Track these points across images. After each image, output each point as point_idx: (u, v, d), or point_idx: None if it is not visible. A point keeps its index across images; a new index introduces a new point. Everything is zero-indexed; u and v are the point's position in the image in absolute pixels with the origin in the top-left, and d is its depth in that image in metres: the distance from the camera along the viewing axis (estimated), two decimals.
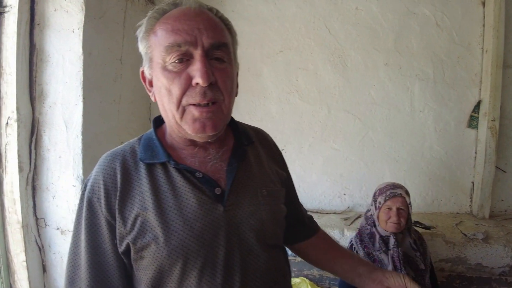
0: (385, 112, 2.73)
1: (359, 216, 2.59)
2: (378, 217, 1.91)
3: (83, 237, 0.85)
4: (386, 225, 1.87)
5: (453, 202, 2.76)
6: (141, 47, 0.86)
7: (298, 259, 2.36)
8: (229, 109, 0.86)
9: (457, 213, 2.76)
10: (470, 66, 2.69)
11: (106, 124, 2.27)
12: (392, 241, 1.86)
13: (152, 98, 0.88)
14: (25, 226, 2.01)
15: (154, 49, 0.82)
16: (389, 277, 1.05)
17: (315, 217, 2.51)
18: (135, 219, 0.82)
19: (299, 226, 1.17)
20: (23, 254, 2.00)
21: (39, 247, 2.10)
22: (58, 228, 2.09)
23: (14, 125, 1.98)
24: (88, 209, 0.85)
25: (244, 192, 0.89)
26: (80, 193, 0.90)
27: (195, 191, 0.84)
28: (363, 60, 2.72)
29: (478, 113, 2.69)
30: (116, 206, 0.83)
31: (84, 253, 0.85)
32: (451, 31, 2.68)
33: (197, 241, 0.81)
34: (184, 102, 0.79)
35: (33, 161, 2.06)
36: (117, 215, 0.83)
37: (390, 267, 1.83)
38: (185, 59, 0.79)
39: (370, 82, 2.72)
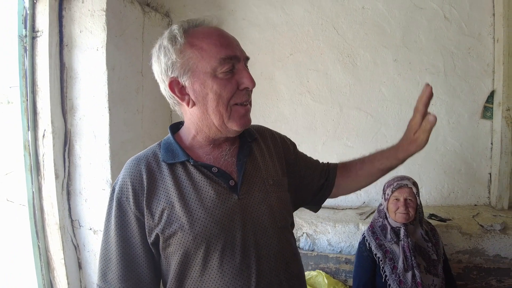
0: (397, 108, 2.76)
1: (374, 211, 2.63)
2: (387, 208, 1.97)
3: (113, 233, 0.98)
4: (395, 216, 1.93)
5: (470, 194, 2.75)
6: (173, 59, 0.94)
7: (315, 252, 2.46)
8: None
9: (475, 205, 2.75)
10: (481, 57, 2.68)
11: (130, 132, 2.46)
12: (402, 232, 1.92)
13: (188, 105, 0.98)
14: (62, 227, 2.22)
15: (198, 61, 0.93)
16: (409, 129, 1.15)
17: (331, 213, 2.63)
18: (162, 212, 0.95)
19: (323, 172, 1.28)
20: (61, 252, 2.21)
21: (74, 246, 2.30)
22: (91, 229, 2.29)
23: (49, 137, 2.20)
24: (118, 208, 0.98)
25: (253, 183, 1.03)
26: (109, 195, 1.02)
27: (212, 184, 0.98)
28: (372, 57, 2.77)
29: (492, 103, 2.67)
30: (144, 203, 0.96)
31: (115, 247, 0.98)
32: (460, 22, 2.68)
33: (217, 226, 0.94)
34: (231, 102, 0.95)
35: (67, 168, 2.27)
36: (145, 210, 0.96)
37: (401, 258, 1.88)
38: (231, 70, 0.95)
39: (380, 79, 2.76)
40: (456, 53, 2.70)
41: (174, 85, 0.96)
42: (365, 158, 1.26)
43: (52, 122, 2.20)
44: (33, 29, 2.21)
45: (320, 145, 2.84)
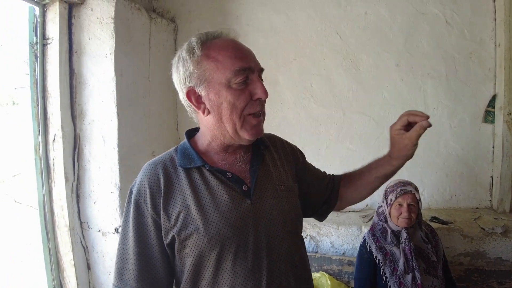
0: (399, 112, 2.70)
1: None
2: (389, 213, 2.00)
3: (130, 234, 1.02)
4: (397, 221, 1.96)
5: (472, 197, 2.78)
6: (191, 69, 1.00)
7: (318, 254, 2.51)
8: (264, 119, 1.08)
9: (477, 208, 2.77)
10: (483, 61, 2.70)
11: (138, 136, 2.51)
12: (404, 235, 1.94)
13: (204, 113, 1.03)
14: (71, 229, 2.28)
15: (214, 72, 0.98)
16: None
17: (334, 216, 2.67)
18: (178, 214, 0.99)
19: (329, 183, 1.34)
20: (71, 253, 2.27)
21: (84, 248, 2.36)
22: (99, 230, 2.35)
23: (59, 141, 2.26)
24: (136, 210, 1.02)
25: (265, 189, 1.08)
26: (127, 197, 1.06)
27: (226, 188, 1.02)
28: (375, 62, 2.80)
29: (493, 107, 2.70)
30: (161, 205, 1.00)
31: (132, 248, 1.02)
32: (462, 28, 2.71)
33: (231, 229, 0.99)
34: (245, 112, 1.00)
35: (76, 172, 2.34)
36: (162, 212, 1.00)
37: (401, 260, 1.91)
38: (245, 81, 0.99)
39: (383, 84, 2.80)
40: (458, 58, 2.73)
41: (191, 94, 1.02)
42: (363, 168, 1.33)
43: (62, 127, 2.26)
44: (44, 37, 2.27)
45: (324, 149, 2.88)
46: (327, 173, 1.39)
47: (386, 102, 2.80)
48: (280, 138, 1.31)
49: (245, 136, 1.02)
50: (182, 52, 1.02)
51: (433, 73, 2.76)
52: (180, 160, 1.06)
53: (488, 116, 2.72)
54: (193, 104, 1.03)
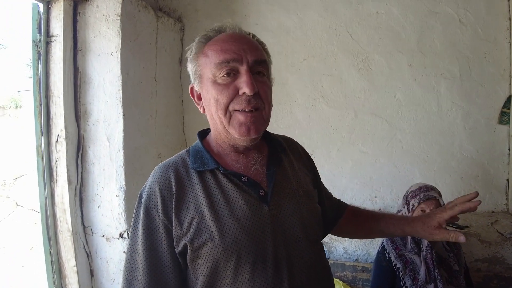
0: (412, 113, 2.73)
1: None
2: None
3: (140, 241, 0.96)
4: None
5: (488, 200, 2.70)
6: (191, 67, 1.01)
7: (331, 261, 2.42)
8: (269, 116, 0.99)
9: (492, 212, 2.69)
10: (498, 61, 2.64)
11: (144, 137, 2.44)
12: (425, 242, 1.86)
13: (201, 110, 1.02)
14: (74, 234, 2.19)
15: (204, 67, 0.96)
16: (433, 215, 1.11)
17: None
18: (191, 221, 0.92)
19: (334, 206, 1.29)
20: (73, 259, 2.18)
21: (87, 253, 2.27)
22: (103, 236, 2.25)
23: (63, 142, 2.18)
24: (146, 215, 0.96)
25: (284, 193, 1.00)
26: (136, 202, 1.00)
27: (242, 193, 0.95)
28: (387, 62, 2.74)
29: (509, 108, 2.63)
30: (173, 211, 0.94)
31: (142, 256, 0.95)
32: (476, 27, 2.65)
33: (248, 237, 0.91)
34: (230, 108, 0.93)
35: (80, 174, 2.25)
36: (173, 219, 0.93)
37: (422, 269, 1.83)
38: (232, 74, 0.93)
39: (395, 84, 2.73)
40: (472, 57, 2.67)
41: (193, 91, 1.03)
42: (373, 213, 1.29)
43: (65, 128, 2.18)
44: (48, 34, 2.21)
45: (335, 151, 2.80)
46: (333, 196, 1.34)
47: (399, 103, 2.73)
48: (297, 142, 1.25)
49: (235, 134, 0.95)
50: (188, 50, 1.03)
51: (446, 74, 2.69)
52: (193, 162, 1.00)
53: (504, 117, 2.65)
54: (195, 101, 1.03)
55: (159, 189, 0.96)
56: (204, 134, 1.10)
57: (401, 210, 2.02)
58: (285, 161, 1.09)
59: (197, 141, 1.06)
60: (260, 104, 0.94)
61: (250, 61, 0.93)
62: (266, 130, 1.07)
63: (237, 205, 0.94)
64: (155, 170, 1.02)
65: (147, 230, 0.95)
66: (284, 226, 0.96)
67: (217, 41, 0.96)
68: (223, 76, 0.92)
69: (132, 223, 1.00)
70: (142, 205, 0.97)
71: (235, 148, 1.01)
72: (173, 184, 0.96)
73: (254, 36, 1.03)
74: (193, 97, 1.04)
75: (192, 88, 1.03)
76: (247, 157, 1.02)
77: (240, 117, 0.93)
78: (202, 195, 0.95)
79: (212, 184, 0.96)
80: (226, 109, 0.93)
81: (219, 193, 0.95)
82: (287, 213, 0.98)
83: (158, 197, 0.95)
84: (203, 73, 0.96)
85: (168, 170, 0.99)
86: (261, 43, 1.03)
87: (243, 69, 0.92)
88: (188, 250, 0.93)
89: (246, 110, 0.92)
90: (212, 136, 1.04)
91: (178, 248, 0.94)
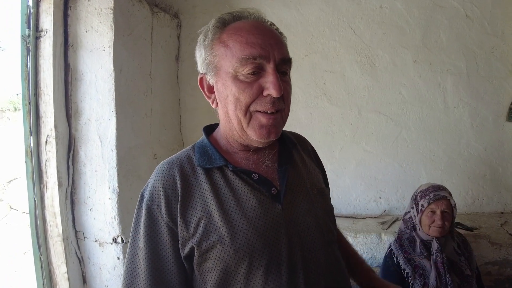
0: (418, 111, 2.64)
1: (397, 220, 2.50)
2: (420, 221, 1.83)
3: (142, 245, 0.88)
4: (429, 230, 1.79)
5: (496, 200, 2.62)
6: (203, 54, 0.90)
7: None
8: (287, 118, 0.92)
9: (501, 213, 2.61)
10: (505, 56, 2.57)
11: (138, 137, 2.33)
12: (435, 245, 1.78)
13: (213, 105, 0.93)
14: (65, 239, 2.08)
15: (222, 59, 0.86)
16: None
17: (351, 223, 2.50)
18: (198, 222, 0.85)
19: None
20: (64, 266, 2.07)
21: (79, 259, 2.16)
22: (96, 241, 2.15)
23: (52, 142, 2.07)
24: (148, 216, 0.88)
25: (297, 192, 0.93)
26: (138, 203, 0.92)
27: (253, 191, 0.88)
28: (391, 58, 2.66)
29: None
30: (178, 211, 0.86)
31: (144, 260, 0.87)
32: (482, 21, 2.58)
33: (261, 239, 0.84)
34: (251, 108, 0.85)
35: (71, 176, 2.15)
36: (179, 220, 0.86)
37: (433, 274, 1.75)
38: (257, 72, 0.83)
39: (400, 81, 2.65)
40: (479, 53, 2.59)
41: (204, 81, 0.92)
42: (349, 247, 1.25)
43: (55, 127, 2.07)
44: (37, 29, 2.10)
45: (338, 151, 2.71)
46: None
47: (403, 100, 2.65)
48: (306, 138, 1.18)
49: (253, 136, 0.87)
50: (201, 35, 0.92)
51: (452, 69, 2.61)
52: (199, 159, 0.92)
53: None
54: (204, 93, 0.93)
55: (162, 188, 0.88)
56: (209, 129, 1.03)
57: (409, 212, 1.93)
58: (297, 157, 1.02)
59: (203, 137, 0.99)
60: (282, 106, 0.87)
61: (277, 59, 0.84)
62: None
63: (248, 204, 0.87)
64: (158, 168, 0.93)
65: (149, 233, 0.88)
66: (298, 227, 0.89)
67: (240, 30, 0.86)
68: (248, 73, 0.83)
69: (132, 225, 0.92)
70: (144, 206, 0.89)
71: (246, 146, 0.94)
72: (178, 182, 0.88)
73: (274, 25, 0.93)
74: (203, 88, 0.93)
75: (202, 79, 0.93)
76: (257, 154, 0.95)
77: (262, 119, 0.85)
78: (210, 194, 0.87)
79: (221, 182, 0.89)
80: (246, 109, 0.85)
81: (228, 192, 0.88)
82: (302, 213, 0.91)
83: (162, 197, 0.87)
84: (221, 65, 0.86)
85: (173, 167, 0.91)
86: (282, 34, 0.94)
87: (270, 67, 0.83)
88: (195, 253, 0.86)
89: (269, 112, 0.85)
90: (222, 133, 0.96)
91: (184, 252, 0.87)
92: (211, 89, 0.92)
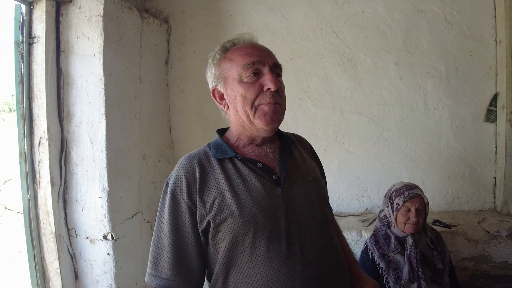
0: (399, 112, 2.72)
1: (376, 218, 2.58)
2: (396, 219, 1.90)
3: (166, 223, 1.09)
4: (404, 227, 1.86)
5: (475, 199, 2.69)
6: (213, 72, 1.16)
7: None
8: (284, 109, 1.15)
9: (480, 210, 2.69)
10: (484, 59, 2.64)
11: (128, 139, 2.42)
12: (410, 241, 1.85)
13: (224, 108, 1.17)
14: (58, 236, 2.17)
15: (229, 70, 1.11)
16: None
17: None
18: (213, 201, 1.06)
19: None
20: (57, 262, 2.16)
21: (71, 256, 2.25)
22: (87, 238, 2.24)
23: (45, 144, 2.16)
24: (172, 199, 1.09)
25: (295, 179, 1.14)
26: (163, 189, 1.13)
27: (258, 177, 1.09)
28: (373, 61, 2.73)
29: (495, 106, 2.63)
30: (197, 194, 1.07)
31: (168, 235, 1.08)
32: (462, 25, 2.65)
33: (264, 214, 1.04)
34: (256, 103, 1.08)
35: (63, 176, 2.24)
36: (197, 200, 1.07)
37: (406, 268, 1.82)
38: (256, 74, 1.08)
39: (381, 83, 2.73)
40: (458, 56, 2.67)
41: (215, 92, 1.17)
42: (343, 240, 1.38)
43: (48, 129, 2.17)
44: (30, 35, 2.19)
45: (322, 151, 2.79)
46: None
47: (385, 102, 2.73)
48: (305, 139, 1.41)
49: (260, 125, 1.08)
50: (209, 58, 1.18)
51: (433, 72, 2.69)
52: (214, 152, 1.14)
53: (490, 115, 2.65)
54: (217, 101, 1.18)
55: (184, 176, 1.09)
56: (221, 132, 1.26)
57: (383, 210, 2.01)
58: (295, 152, 1.23)
59: (217, 136, 1.22)
60: (279, 100, 1.10)
61: (271, 64, 1.10)
62: (278, 128, 1.21)
63: (254, 187, 1.07)
64: (180, 161, 1.15)
65: (173, 212, 1.08)
66: (295, 207, 1.08)
67: (241, 48, 1.12)
68: (250, 75, 1.07)
69: (159, 207, 1.13)
70: (168, 190, 1.10)
71: (253, 140, 1.16)
72: (197, 171, 1.10)
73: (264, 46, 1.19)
74: (215, 98, 1.18)
75: (213, 91, 1.17)
76: (262, 147, 1.17)
77: (265, 108, 1.07)
78: (223, 178, 1.08)
79: (231, 169, 1.10)
80: (252, 104, 1.07)
81: (237, 177, 1.09)
82: (298, 196, 1.11)
83: (184, 183, 1.08)
84: (228, 75, 1.11)
85: (193, 160, 1.13)
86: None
87: (266, 69, 1.08)
88: (211, 226, 1.06)
89: (271, 103, 1.07)
90: (233, 131, 1.19)
91: (202, 226, 1.07)
92: (221, 97, 1.16)
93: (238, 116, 1.12)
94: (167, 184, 1.12)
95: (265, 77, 1.07)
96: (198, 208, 1.06)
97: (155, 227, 1.12)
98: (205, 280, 1.15)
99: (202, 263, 1.10)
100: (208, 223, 1.06)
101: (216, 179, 1.09)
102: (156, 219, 1.13)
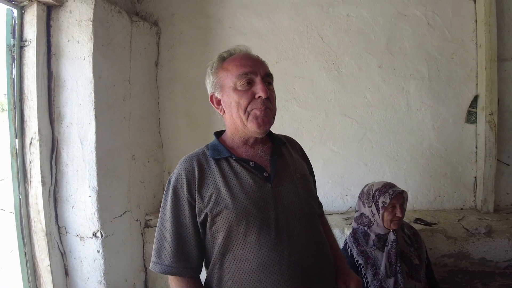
0: (382, 113, 2.79)
1: None
2: (383, 217, 1.90)
3: (168, 216, 1.22)
4: (390, 224, 1.89)
5: (456, 198, 2.77)
6: (211, 80, 1.29)
7: None
8: (275, 114, 1.27)
9: (461, 209, 2.76)
10: (464, 62, 2.72)
11: (117, 139, 2.48)
12: (392, 237, 1.88)
13: (221, 112, 1.31)
14: (48, 234, 2.23)
15: (225, 79, 1.24)
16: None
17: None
18: (210, 196, 1.19)
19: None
20: (47, 259, 2.22)
21: (61, 253, 2.31)
22: (77, 235, 2.30)
23: (36, 145, 2.22)
24: (173, 194, 1.23)
25: (284, 176, 1.27)
26: (166, 186, 1.27)
27: (250, 174, 1.23)
28: (357, 64, 2.80)
29: (476, 108, 2.71)
30: (196, 190, 1.20)
31: (170, 227, 1.21)
32: (443, 29, 2.73)
33: (255, 206, 1.18)
34: (249, 108, 1.20)
35: (54, 175, 2.30)
36: (196, 195, 1.20)
37: (383, 264, 1.86)
38: (249, 83, 1.21)
39: (365, 85, 2.80)
40: (440, 59, 2.74)
41: (213, 98, 1.31)
42: (331, 236, 1.50)
43: (39, 130, 2.22)
44: (21, 39, 2.24)
45: (307, 151, 2.73)
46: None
47: (368, 103, 2.80)
48: (296, 140, 1.55)
49: (252, 127, 1.21)
50: (208, 68, 1.32)
51: (415, 74, 2.76)
52: (211, 152, 1.28)
53: (471, 116, 2.73)
54: (214, 106, 1.31)
55: (185, 174, 1.23)
56: (218, 134, 1.38)
57: (358, 211, 2.03)
58: (285, 152, 1.36)
59: (214, 138, 1.35)
60: (270, 106, 1.23)
61: (262, 74, 1.23)
62: (270, 131, 1.34)
63: (246, 183, 1.21)
64: (181, 161, 1.28)
65: (174, 206, 1.22)
66: (283, 200, 1.22)
67: (236, 59, 1.25)
68: (243, 84, 1.20)
69: (162, 202, 1.27)
70: (171, 187, 1.24)
71: (246, 141, 1.29)
72: (196, 170, 1.23)
73: (258, 56, 1.33)
74: (213, 103, 1.31)
75: (211, 96, 1.31)
76: (254, 148, 1.30)
77: (256, 112, 1.20)
78: (219, 176, 1.22)
79: (227, 168, 1.24)
80: (245, 109, 1.20)
81: (232, 174, 1.22)
82: (286, 191, 1.25)
83: (184, 180, 1.22)
84: (225, 84, 1.24)
85: (192, 160, 1.27)
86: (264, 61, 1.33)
87: (257, 79, 1.21)
88: (208, 218, 1.19)
89: (262, 108, 1.20)
90: (228, 134, 1.32)
91: (200, 218, 1.20)
92: (218, 102, 1.29)
93: (233, 120, 1.25)
94: (170, 181, 1.25)
95: (257, 86, 1.20)
96: (197, 202, 1.20)
97: (158, 220, 1.26)
98: (203, 267, 1.29)
99: (200, 252, 1.24)
100: (206, 216, 1.19)
101: (213, 176, 1.22)
102: (160, 213, 1.26)
